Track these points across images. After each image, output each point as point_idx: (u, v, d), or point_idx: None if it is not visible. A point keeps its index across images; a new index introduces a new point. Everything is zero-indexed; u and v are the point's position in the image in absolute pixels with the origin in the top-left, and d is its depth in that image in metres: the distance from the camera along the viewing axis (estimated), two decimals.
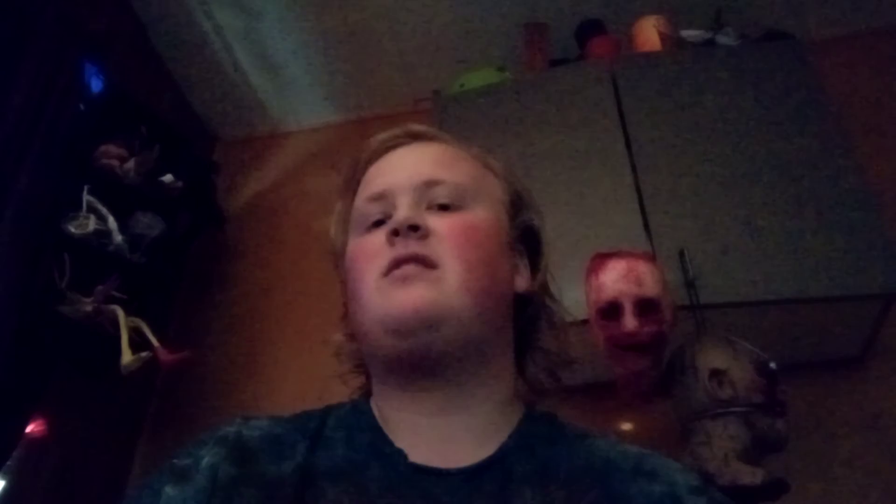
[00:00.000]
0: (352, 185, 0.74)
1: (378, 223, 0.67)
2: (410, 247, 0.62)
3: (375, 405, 0.67)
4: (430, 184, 0.67)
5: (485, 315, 0.63)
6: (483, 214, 0.68)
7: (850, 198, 1.67)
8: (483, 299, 0.63)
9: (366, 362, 0.70)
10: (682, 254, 1.61)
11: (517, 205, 0.73)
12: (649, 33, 2.07)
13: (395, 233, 0.63)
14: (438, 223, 0.64)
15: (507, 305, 0.67)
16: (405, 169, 0.70)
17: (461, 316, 0.60)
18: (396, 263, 0.62)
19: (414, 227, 0.63)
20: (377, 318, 0.61)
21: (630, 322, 1.36)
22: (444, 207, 0.66)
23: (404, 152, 0.72)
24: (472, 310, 0.61)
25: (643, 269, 1.41)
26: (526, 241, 0.73)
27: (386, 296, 0.61)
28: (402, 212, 0.65)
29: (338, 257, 0.73)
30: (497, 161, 0.76)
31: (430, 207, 0.66)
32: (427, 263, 0.61)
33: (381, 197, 0.68)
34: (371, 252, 0.64)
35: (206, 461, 0.61)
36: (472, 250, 0.64)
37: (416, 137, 0.74)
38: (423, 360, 0.61)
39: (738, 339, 1.38)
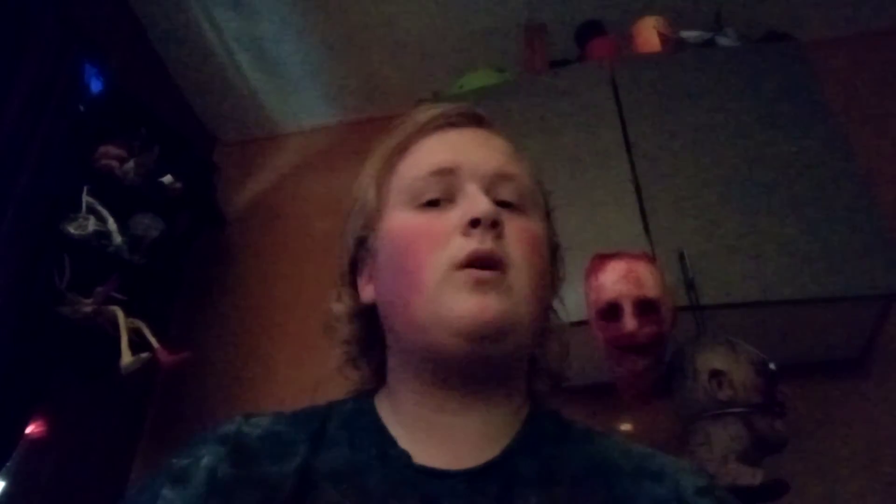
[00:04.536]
0: (399, 149, 0.67)
1: (432, 203, 0.63)
2: (488, 243, 0.59)
3: (381, 401, 0.66)
4: (502, 176, 0.64)
5: (536, 326, 0.62)
6: (542, 224, 0.66)
7: (850, 198, 1.67)
8: (538, 311, 0.62)
9: (393, 348, 0.66)
10: (681, 255, 1.61)
11: (549, 216, 0.72)
12: (649, 34, 2.07)
13: (475, 223, 0.59)
14: (509, 224, 0.61)
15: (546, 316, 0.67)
16: (477, 152, 0.65)
17: (524, 327, 0.60)
18: (475, 259, 0.58)
19: (495, 224, 0.59)
20: (443, 316, 0.58)
21: (630, 323, 1.36)
22: (506, 205, 0.63)
23: (471, 135, 0.67)
24: (532, 321, 0.61)
25: (643, 269, 1.41)
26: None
27: (458, 295, 0.57)
28: (484, 203, 0.60)
29: (368, 220, 0.67)
30: (532, 165, 0.72)
31: (495, 202, 0.62)
32: (502, 267, 0.59)
33: (446, 172, 0.63)
34: (436, 236, 0.60)
35: (204, 461, 0.60)
36: (537, 259, 0.62)
37: (477, 121, 0.69)
38: (481, 365, 0.60)
39: (737, 339, 1.37)
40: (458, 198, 0.62)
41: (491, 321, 0.57)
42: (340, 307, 0.70)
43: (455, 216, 0.60)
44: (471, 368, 0.60)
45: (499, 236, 0.60)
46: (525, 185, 0.66)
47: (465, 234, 0.59)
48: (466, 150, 0.65)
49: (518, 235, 0.61)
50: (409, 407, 0.63)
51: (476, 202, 0.60)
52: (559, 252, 0.73)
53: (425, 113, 0.68)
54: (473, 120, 0.69)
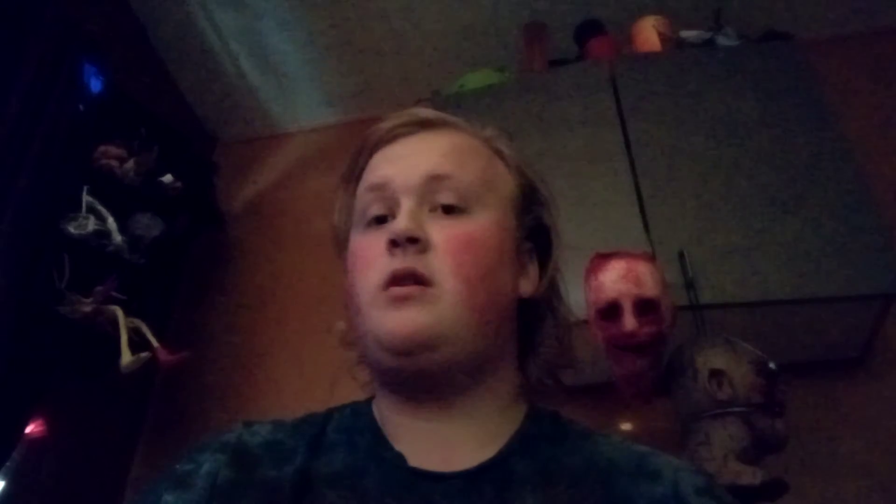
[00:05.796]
0: (355, 172, 0.70)
1: (380, 219, 0.64)
2: (408, 261, 0.59)
3: (377, 407, 0.67)
4: (435, 178, 0.64)
5: (484, 330, 0.61)
6: (488, 221, 0.64)
7: (850, 198, 1.67)
8: (482, 316, 0.61)
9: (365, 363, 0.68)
10: (681, 254, 1.61)
11: (527, 199, 0.70)
12: (649, 34, 2.07)
13: (395, 243, 0.60)
14: (440, 233, 0.61)
15: (509, 313, 0.65)
16: (410, 161, 0.66)
17: (459, 335, 0.59)
18: (394, 279, 0.59)
19: (413, 240, 0.60)
20: (373, 334, 0.60)
21: (629, 322, 1.36)
22: (447, 209, 0.63)
23: (412, 142, 0.68)
24: (471, 328, 0.60)
25: (643, 269, 1.41)
26: (535, 237, 0.70)
27: (382, 313, 0.59)
28: (402, 221, 0.61)
29: (341, 245, 0.71)
30: (510, 147, 0.72)
31: (433, 209, 0.63)
32: (424, 281, 0.59)
33: (380, 188, 0.65)
34: (370, 256, 0.62)
35: (206, 467, 0.61)
36: (472, 266, 0.61)
37: (424, 125, 0.69)
38: (421, 377, 0.60)
39: (737, 339, 1.37)
40: (396, 213, 0.63)
41: (412, 335, 0.58)
42: (341, 325, 0.72)
43: (384, 234, 0.62)
44: (413, 381, 0.61)
45: (422, 251, 0.60)
46: (467, 181, 0.64)
47: (390, 253, 0.61)
48: (401, 161, 0.66)
49: (448, 243, 0.61)
50: (392, 414, 0.64)
51: (395, 222, 0.62)
52: (551, 236, 0.71)
53: (372, 132, 0.70)
54: (418, 126, 0.69)
